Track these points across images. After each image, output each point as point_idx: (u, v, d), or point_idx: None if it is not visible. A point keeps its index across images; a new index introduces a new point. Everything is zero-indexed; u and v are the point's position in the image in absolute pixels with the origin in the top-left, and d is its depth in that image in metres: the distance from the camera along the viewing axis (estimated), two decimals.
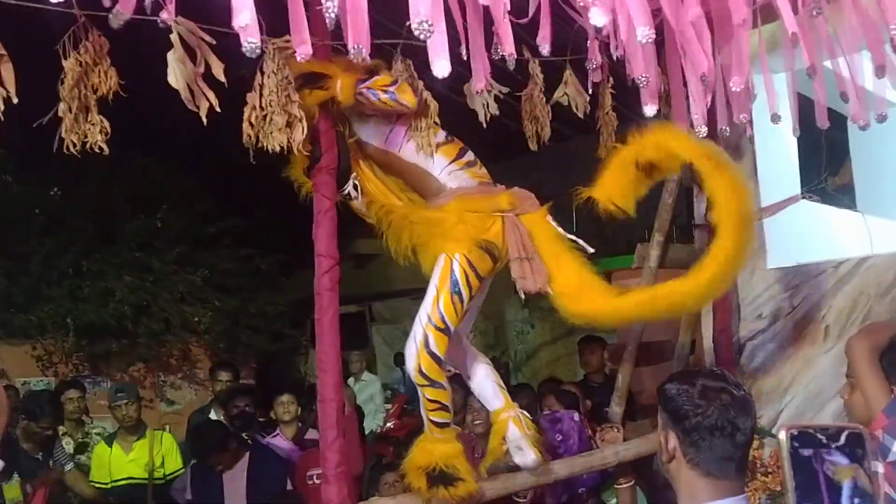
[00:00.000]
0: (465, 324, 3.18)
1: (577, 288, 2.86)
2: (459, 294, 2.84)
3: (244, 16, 1.77)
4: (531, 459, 3.08)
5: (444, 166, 3.00)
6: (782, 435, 0.86)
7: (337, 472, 2.57)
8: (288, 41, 2.43)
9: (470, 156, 3.08)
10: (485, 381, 3.22)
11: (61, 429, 5.51)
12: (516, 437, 3.08)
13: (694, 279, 2.73)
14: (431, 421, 2.91)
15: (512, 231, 2.89)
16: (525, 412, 3.21)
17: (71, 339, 9.44)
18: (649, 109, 2.82)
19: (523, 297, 2.93)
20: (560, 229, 2.95)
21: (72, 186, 9.74)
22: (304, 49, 1.96)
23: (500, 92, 3.02)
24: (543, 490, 3.68)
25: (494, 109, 3.03)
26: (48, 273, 9.45)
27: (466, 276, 2.85)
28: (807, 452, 0.86)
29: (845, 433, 0.88)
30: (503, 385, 3.26)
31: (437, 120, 2.96)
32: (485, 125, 3.05)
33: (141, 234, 9.90)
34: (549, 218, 2.97)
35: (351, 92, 2.71)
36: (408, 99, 2.78)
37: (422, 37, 1.86)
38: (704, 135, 2.95)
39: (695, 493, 1.69)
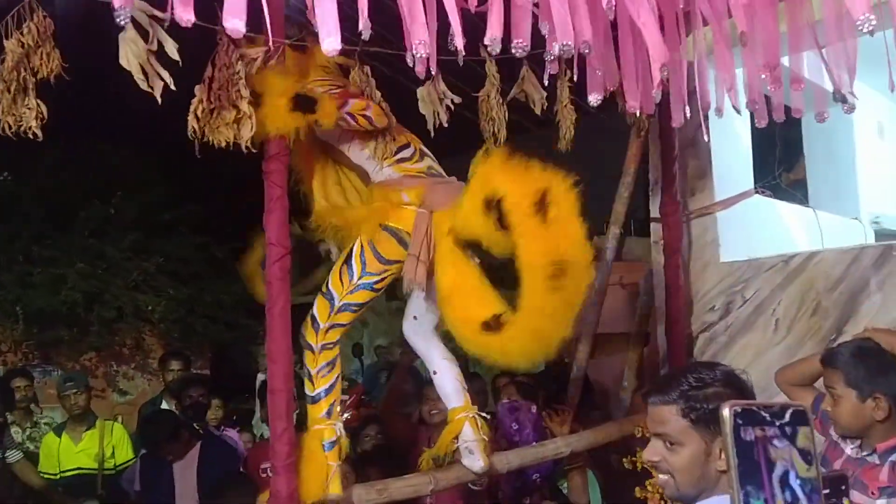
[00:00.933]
0: (429, 316, 3.20)
1: (455, 297, 2.84)
2: (350, 267, 2.90)
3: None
4: (478, 465, 3.11)
5: (375, 166, 3.08)
6: (725, 412, 0.85)
7: (286, 463, 2.53)
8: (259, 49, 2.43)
9: (407, 152, 3.11)
10: (447, 378, 3.23)
11: (9, 417, 5.39)
12: (469, 440, 3.10)
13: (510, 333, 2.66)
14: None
15: (416, 226, 2.92)
16: (482, 414, 3.22)
17: (20, 327, 9.26)
18: (593, 98, 2.80)
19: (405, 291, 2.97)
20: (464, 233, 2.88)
21: (24, 171, 9.53)
22: (331, 43, 1.90)
23: (451, 102, 3.02)
24: (498, 478, 3.71)
25: (444, 119, 3.03)
26: None
27: (362, 254, 2.91)
28: (749, 430, 0.86)
29: (789, 411, 0.88)
30: (465, 385, 3.26)
31: (394, 135, 3.08)
32: (432, 133, 3.06)
33: (94, 221, 9.72)
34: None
35: (333, 118, 2.78)
36: (380, 121, 2.93)
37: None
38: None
39: None
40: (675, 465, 1.75)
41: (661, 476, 1.80)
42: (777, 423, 0.88)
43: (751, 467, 0.87)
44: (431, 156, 3.20)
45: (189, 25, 1.84)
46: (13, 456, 5.03)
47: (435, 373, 3.26)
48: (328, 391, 2.92)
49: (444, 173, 3.19)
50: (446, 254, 2.88)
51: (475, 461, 3.11)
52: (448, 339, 3.14)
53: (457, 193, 2.91)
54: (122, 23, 1.86)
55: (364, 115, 2.89)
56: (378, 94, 2.90)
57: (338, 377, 2.98)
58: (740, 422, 0.88)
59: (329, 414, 2.90)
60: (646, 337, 4.66)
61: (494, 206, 2.63)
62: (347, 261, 2.92)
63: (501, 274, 2.85)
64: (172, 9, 1.81)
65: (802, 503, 0.86)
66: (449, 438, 3.14)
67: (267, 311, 2.61)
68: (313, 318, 2.92)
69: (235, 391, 7.33)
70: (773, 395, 3.23)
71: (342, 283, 2.90)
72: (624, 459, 3.86)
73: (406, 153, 3.11)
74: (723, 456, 1.71)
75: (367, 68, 2.85)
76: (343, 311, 2.92)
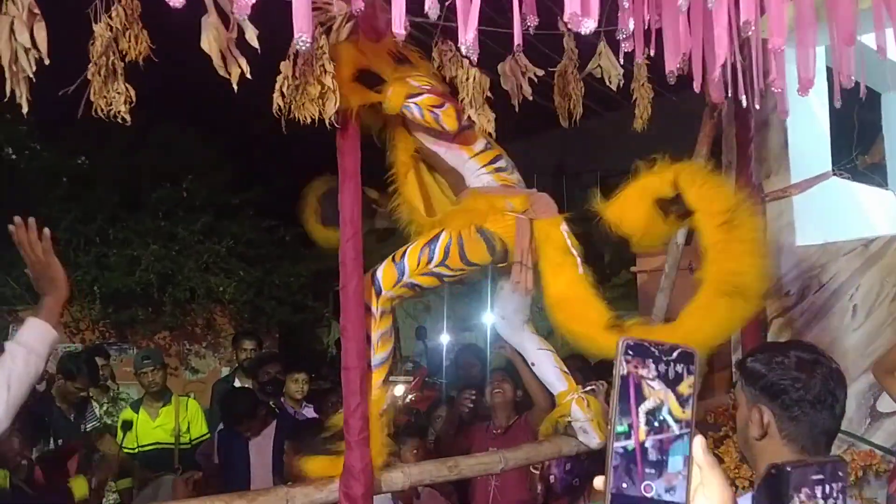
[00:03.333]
0: (517, 315, 3.26)
1: (568, 305, 2.85)
2: (431, 252, 2.89)
3: None
4: (595, 442, 3.19)
5: (475, 170, 3.06)
6: (619, 343, 0.89)
7: (360, 438, 2.57)
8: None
9: (502, 162, 3.12)
10: (547, 366, 3.29)
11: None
12: (581, 419, 3.18)
13: (674, 330, 2.72)
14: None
15: (520, 234, 2.92)
16: (589, 389, 3.28)
17: (97, 307, 9.57)
18: (671, 77, 2.75)
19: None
20: (570, 241, 2.92)
21: (98, 154, 9.82)
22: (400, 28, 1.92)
23: (534, 74, 3.00)
24: (549, 460, 3.76)
25: (528, 93, 3.01)
26: (75, 240, 9.56)
27: (448, 245, 2.89)
28: (634, 362, 0.89)
29: (678, 350, 0.91)
30: (566, 369, 3.32)
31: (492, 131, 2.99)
32: (517, 108, 3.03)
33: (166, 203, 9.97)
34: (564, 227, 2.95)
35: (399, 102, 2.78)
36: (450, 124, 2.84)
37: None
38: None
39: None
40: (737, 423, 1.83)
41: None
42: (664, 359, 0.91)
43: (624, 396, 0.91)
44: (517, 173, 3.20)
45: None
46: (93, 426, 5.23)
47: (533, 364, 3.32)
48: (385, 359, 2.94)
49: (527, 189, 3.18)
50: (553, 260, 2.89)
51: (591, 438, 3.18)
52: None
53: (553, 204, 2.99)
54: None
55: (432, 111, 2.81)
56: (479, 97, 2.82)
57: (392, 347, 3.01)
58: (630, 354, 0.91)
59: (384, 382, 2.94)
60: None
61: (666, 204, 2.72)
62: (431, 244, 2.90)
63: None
64: None
65: (672, 430, 0.90)
66: (556, 419, 3.25)
67: (341, 289, 2.65)
68: (376, 281, 2.89)
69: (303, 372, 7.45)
70: (853, 380, 3.17)
71: (418, 262, 2.89)
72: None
73: (501, 163, 3.11)
74: (756, 421, 1.72)
75: (451, 43, 2.81)
76: (407, 287, 2.93)
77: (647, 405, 0.90)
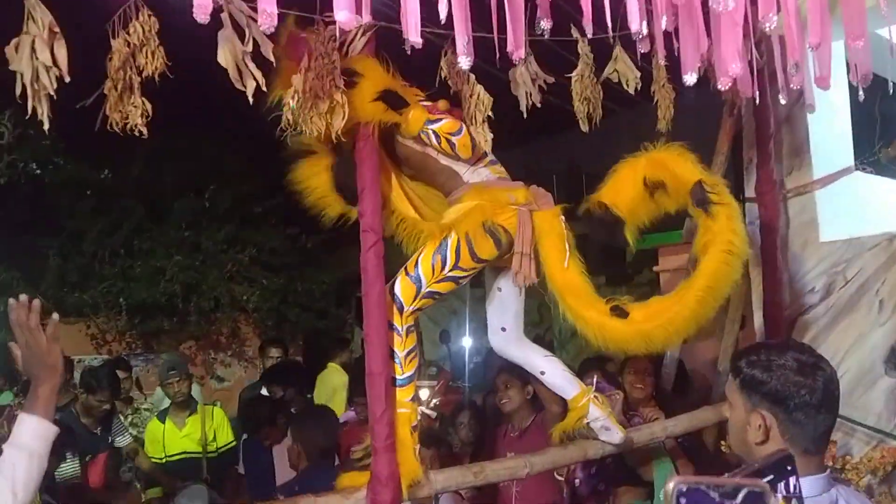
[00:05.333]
0: (517, 323, 3.24)
1: (577, 290, 2.91)
2: (443, 257, 2.88)
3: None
4: (618, 437, 3.19)
5: (470, 166, 3.05)
6: (670, 487, 0.74)
7: (386, 443, 2.58)
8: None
9: (492, 156, 3.14)
10: (555, 374, 3.26)
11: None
12: (601, 418, 3.17)
13: (668, 310, 2.87)
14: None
15: (522, 225, 2.94)
16: (600, 392, 3.28)
17: (123, 318, 9.68)
18: (689, 78, 2.74)
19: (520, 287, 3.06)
20: (568, 232, 2.95)
21: (122, 167, 9.93)
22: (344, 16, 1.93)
23: (544, 81, 3.01)
24: (574, 464, 3.74)
25: (537, 99, 3.02)
26: (100, 252, 9.68)
27: (458, 247, 2.88)
28: None
29: (744, 491, 0.77)
30: (573, 373, 3.32)
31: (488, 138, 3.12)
32: (525, 114, 3.05)
33: (190, 214, 10.08)
34: (562, 218, 2.98)
35: (418, 127, 2.82)
36: (464, 153, 2.91)
37: None
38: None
39: None
40: (729, 424, 1.82)
41: None
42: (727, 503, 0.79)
43: None
44: None
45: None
46: (122, 440, 5.27)
47: (543, 373, 3.28)
48: (413, 376, 2.93)
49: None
50: (557, 248, 2.92)
51: (614, 434, 3.19)
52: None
53: (546, 197, 3.03)
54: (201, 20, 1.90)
55: (449, 139, 2.87)
56: (480, 115, 2.86)
57: (419, 362, 3.03)
58: (683, 501, 0.80)
59: (413, 398, 2.92)
60: (741, 320, 4.56)
61: (653, 186, 2.95)
62: (441, 250, 2.90)
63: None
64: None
65: None
66: (573, 421, 3.21)
67: (364, 295, 2.66)
68: (396, 299, 2.88)
69: None
70: (880, 376, 3.13)
71: (433, 270, 2.90)
72: (723, 443, 3.80)
73: (492, 156, 3.12)
74: (757, 426, 1.71)
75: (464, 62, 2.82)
76: (427, 297, 2.93)
77: None
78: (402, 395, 2.88)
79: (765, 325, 4.04)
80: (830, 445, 3.73)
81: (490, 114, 2.73)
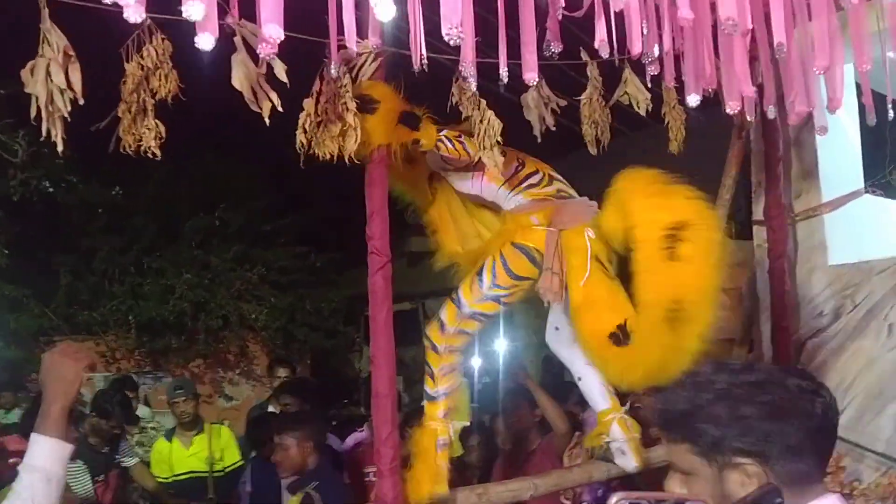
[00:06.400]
0: (570, 327, 3.21)
1: (582, 313, 2.91)
2: (481, 279, 2.99)
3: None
4: (632, 465, 3.17)
5: (506, 195, 3.17)
6: (612, 501, 0.75)
7: (391, 466, 2.58)
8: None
9: (536, 178, 3.19)
10: (592, 383, 3.28)
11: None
12: (620, 440, 3.16)
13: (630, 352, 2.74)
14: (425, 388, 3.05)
15: (549, 244, 2.99)
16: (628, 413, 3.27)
17: (133, 336, 9.70)
18: (692, 99, 2.75)
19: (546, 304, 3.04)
20: (590, 249, 2.95)
21: (133, 186, 10.00)
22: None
23: (557, 105, 3.03)
24: (583, 487, 3.73)
25: (551, 123, 3.04)
26: (111, 271, 9.73)
27: (494, 267, 2.99)
28: None
29: None
30: (610, 388, 3.29)
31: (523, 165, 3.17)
32: (539, 139, 3.07)
33: (200, 233, 10.13)
34: (589, 234, 2.98)
35: (433, 139, 2.88)
36: (472, 148, 2.95)
37: (452, 42, 1.86)
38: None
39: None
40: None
41: None
42: None
43: None
44: (562, 180, 3.25)
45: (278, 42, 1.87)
46: (129, 461, 5.27)
47: (580, 379, 3.31)
48: (447, 393, 3.00)
49: (575, 194, 3.23)
50: (577, 268, 2.94)
51: (628, 461, 3.16)
52: None
53: (585, 211, 3.03)
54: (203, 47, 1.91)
55: (459, 140, 2.96)
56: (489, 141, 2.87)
57: (458, 382, 3.07)
58: None
59: (445, 415, 2.98)
60: (749, 343, 4.54)
61: (628, 230, 2.71)
62: (479, 273, 3.00)
63: None
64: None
65: None
66: (597, 436, 3.23)
67: (371, 318, 2.67)
68: (440, 321, 3.02)
69: (335, 397, 7.49)
70: (889, 401, 3.11)
71: (472, 291, 2.99)
72: None
73: (534, 179, 3.17)
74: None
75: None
76: (471, 318, 3.01)
77: None
78: (432, 409, 2.99)
79: (773, 349, 4.03)
80: (839, 472, 3.72)
81: (499, 139, 2.74)
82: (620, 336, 2.78)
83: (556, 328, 3.31)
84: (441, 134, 2.93)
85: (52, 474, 1.97)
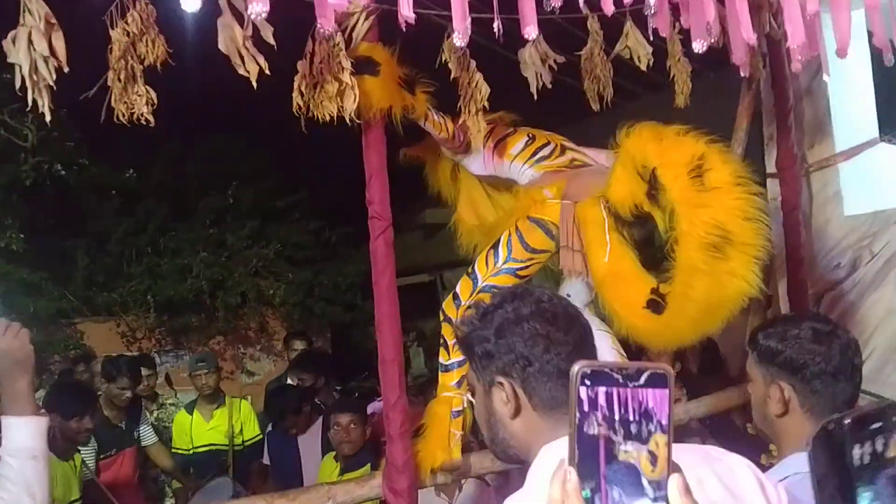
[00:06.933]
0: (582, 294, 3.16)
1: (610, 284, 2.85)
2: (496, 253, 2.98)
3: None
4: None
5: (518, 170, 3.18)
6: (574, 369, 0.75)
7: (401, 431, 2.56)
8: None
9: (547, 150, 3.15)
10: (605, 349, 3.22)
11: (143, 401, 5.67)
12: None
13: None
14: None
15: (564, 219, 2.95)
16: None
17: (152, 315, 9.77)
18: (697, 45, 2.66)
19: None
20: (608, 221, 2.85)
21: (145, 167, 10.02)
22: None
23: (554, 62, 2.95)
24: None
25: (547, 80, 2.95)
26: (127, 252, 9.78)
27: (510, 241, 2.97)
28: (595, 393, 0.76)
29: (647, 373, 0.78)
30: (622, 352, 3.24)
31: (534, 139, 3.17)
32: (535, 96, 2.99)
33: (214, 211, 10.15)
34: (603, 205, 2.88)
35: (424, 107, 2.83)
36: (452, 127, 3.00)
37: None
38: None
39: None
40: (752, 400, 1.79)
41: None
42: (631, 385, 0.79)
43: (587, 453, 0.80)
44: (576, 148, 3.19)
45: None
46: (149, 440, 5.31)
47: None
48: (461, 363, 2.96)
49: (591, 162, 3.16)
50: (595, 239, 2.88)
51: None
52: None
53: (599, 179, 2.91)
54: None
55: (443, 116, 2.95)
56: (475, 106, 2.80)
57: None
58: (588, 383, 0.80)
59: (459, 384, 2.97)
60: (768, 299, 4.48)
61: (648, 179, 2.61)
62: (494, 247, 2.99)
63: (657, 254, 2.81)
64: None
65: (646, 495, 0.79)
66: None
67: (374, 283, 2.65)
68: (455, 295, 3.02)
69: (355, 369, 7.52)
70: None
71: (487, 265, 2.98)
72: (748, 425, 3.73)
73: (545, 151, 3.14)
74: (777, 398, 1.68)
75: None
76: (485, 291, 2.96)
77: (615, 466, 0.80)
78: (446, 379, 3.02)
79: (789, 303, 3.96)
80: None
81: (486, 104, 2.66)
82: (659, 301, 2.67)
83: (568, 294, 3.25)
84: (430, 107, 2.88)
85: (36, 450, 1.97)
